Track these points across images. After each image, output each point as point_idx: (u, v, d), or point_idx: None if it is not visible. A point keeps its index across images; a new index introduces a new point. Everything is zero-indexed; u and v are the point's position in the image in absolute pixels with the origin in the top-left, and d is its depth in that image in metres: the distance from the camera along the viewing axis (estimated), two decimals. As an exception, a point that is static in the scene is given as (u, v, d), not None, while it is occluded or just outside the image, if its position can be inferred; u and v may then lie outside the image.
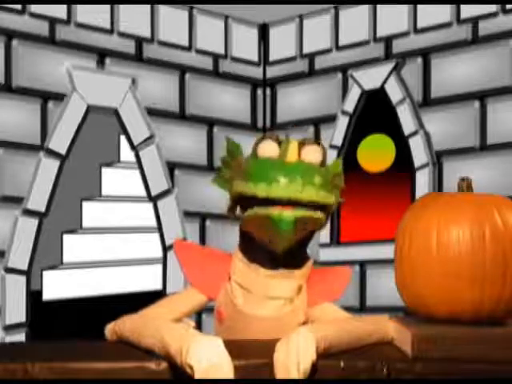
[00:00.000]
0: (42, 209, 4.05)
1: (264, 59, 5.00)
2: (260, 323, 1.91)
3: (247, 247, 1.95)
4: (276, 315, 1.91)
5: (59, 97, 4.15)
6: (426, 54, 4.41)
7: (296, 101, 4.88)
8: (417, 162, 4.39)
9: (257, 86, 4.97)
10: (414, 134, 4.40)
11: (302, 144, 1.90)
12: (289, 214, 1.82)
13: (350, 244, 4.61)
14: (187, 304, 1.98)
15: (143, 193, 4.46)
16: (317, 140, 1.96)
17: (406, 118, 4.43)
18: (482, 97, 4.21)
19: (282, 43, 4.94)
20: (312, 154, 1.90)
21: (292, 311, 1.93)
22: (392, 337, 1.81)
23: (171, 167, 4.54)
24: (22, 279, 3.99)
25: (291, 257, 1.92)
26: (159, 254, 4.46)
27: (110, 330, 1.90)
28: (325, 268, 2.14)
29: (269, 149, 1.90)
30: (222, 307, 1.97)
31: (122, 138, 4.44)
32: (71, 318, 4.16)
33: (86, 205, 4.36)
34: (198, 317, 4.09)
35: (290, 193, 1.81)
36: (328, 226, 4.83)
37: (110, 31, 4.37)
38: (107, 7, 4.36)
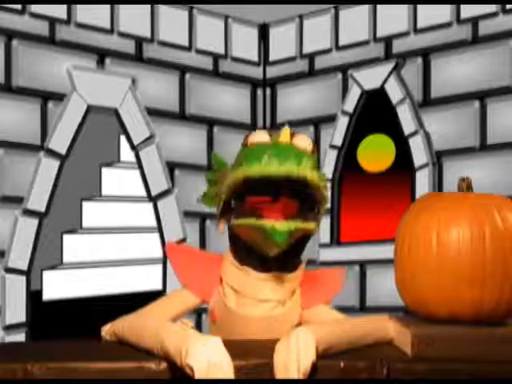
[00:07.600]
0: (42, 209, 4.05)
1: (264, 59, 5.00)
2: (252, 324, 1.90)
3: (238, 250, 1.95)
4: (267, 317, 1.91)
5: (59, 97, 4.14)
6: (426, 54, 4.41)
7: (296, 101, 4.88)
8: (417, 162, 4.38)
9: (257, 86, 4.97)
10: (414, 133, 4.40)
11: (292, 134, 1.90)
12: (282, 225, 1.81)
13: (350, 244, 4.61)
14: (181, 306, 1.98)
15: (143, 193, 4.46)
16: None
17: (406, 118, 4.43)
18: (482, 97, 4.21)
19: (282, 43, 4.94)
20: (303, 141, 1.89)
21: (284, 313, 1.93)
22: (392, 337, 1.81)
23: (171, 167, 4.54)
24: (22, 279, 3.99)
25: (283, 261, 1.91)
26: (159, 254, 4.45)
27: (108, 331, 1.90)
28: (319, 270, 2.14)
29: (260, 137, 1.90)
30: (215, 309, 1.97)
31: (122, 138, 4.43)
32: (71, 318, 4.16)
33: (85, 205, 4.36)
34: (198, 317, 4.09)
35: (285, 170, 1.79)
36: (328, 226, 4.85)
37: (110, 31, 4.37)
38: (107, 7, 4.36)
